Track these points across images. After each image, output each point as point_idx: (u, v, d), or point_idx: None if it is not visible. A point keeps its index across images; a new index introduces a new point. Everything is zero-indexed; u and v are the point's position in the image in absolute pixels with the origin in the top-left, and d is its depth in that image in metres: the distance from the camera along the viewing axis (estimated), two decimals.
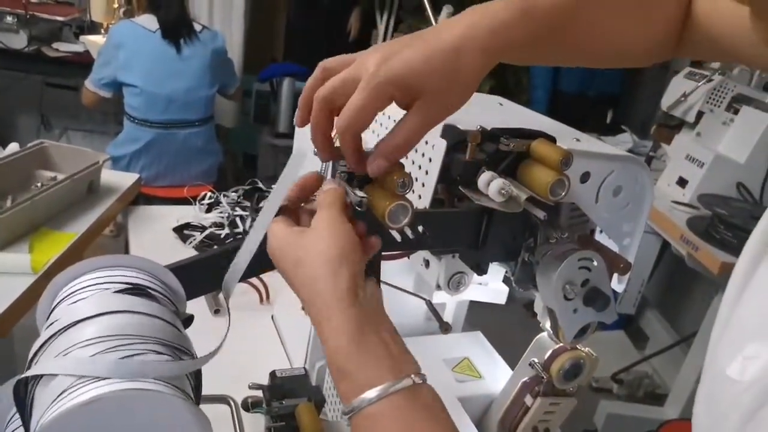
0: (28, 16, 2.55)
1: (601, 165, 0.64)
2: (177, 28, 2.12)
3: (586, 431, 2.09)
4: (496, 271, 0.74)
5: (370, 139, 0.47)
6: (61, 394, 0.35)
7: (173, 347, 0.41)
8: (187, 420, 0.38)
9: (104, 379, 0.36)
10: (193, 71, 2.18)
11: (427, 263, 0.66)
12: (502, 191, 0.51)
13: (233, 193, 1.56)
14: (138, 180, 1.50)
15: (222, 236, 1.41)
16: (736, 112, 2.04)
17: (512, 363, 0.79)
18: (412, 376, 0.39)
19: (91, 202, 1.31)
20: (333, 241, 0.43)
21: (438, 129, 0.59)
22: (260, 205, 1.53)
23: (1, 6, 2.52)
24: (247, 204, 1.52)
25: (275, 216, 0.48)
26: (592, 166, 0.63)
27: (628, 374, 2.34)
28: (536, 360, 0.69)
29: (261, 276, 1.17)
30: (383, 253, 0.49)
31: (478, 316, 1.17)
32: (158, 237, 1.43)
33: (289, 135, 3.19)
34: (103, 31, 2.59)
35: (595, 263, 0.57)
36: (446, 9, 2.51)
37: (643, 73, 3.35)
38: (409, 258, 0.67)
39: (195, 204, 1.53)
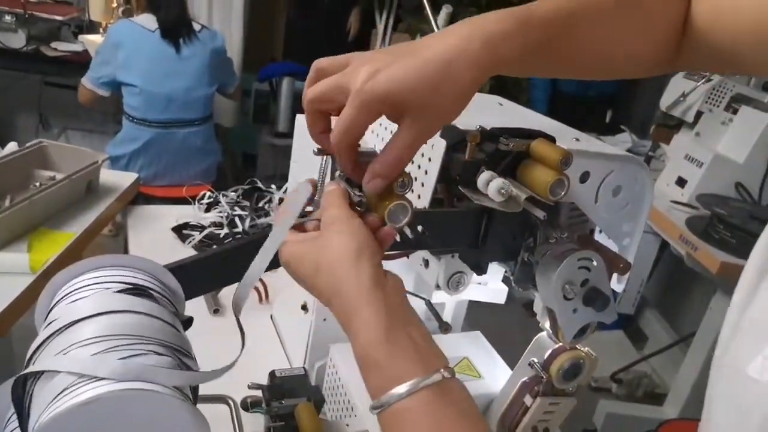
0: (26, 16, 2.55)
1: (600, 165, 0.64)
2: (176, 27, 2.12)
3: (585, 431, 2.09)
4: (496, 271, 0.74)
5: (370, 139, 0.47)
6: (62, 391, 0.35)
7: (173, 348, 0.41)
8: (186, 420, 0.38)
9: (103, 378, 0.36)
10: (192, 71, 2.18)
11: (426, 263, 0.66)
12: (502, 191, 0.51)
13: (232, 193, 1.56)
14: (137, 179, 1.50)
15: (221, 236, 1.41)
16: (735, 111, 2.04)
17: (512, 363, 0.79)
18: (442, 370, 0.39)
19: (90, 201, 1.31)
20: (348, 237, 0.43)
21: None
22: (259, 205, 1.53)
23: (0, 5, 2.51)
24: (247, 204, 1.52)
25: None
26: (591, 166, 0.63)
27: (627, 374, 2.34)
28: (536, 360, 0.68)
29: (260, 276, 1.17)
30: (383, 252, 0.49)
31: (478, 315, 1.17)
32: (157, 237, 1.43)
33: (289, 134, 3.19)
34: (102, 30, 2.59)
35: (595, 263, 0.57)
36: (446, 9, 2.51)
37: None
38: (408, 258, 0.67)
39: (194, 204, 1.53)
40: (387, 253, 0.51)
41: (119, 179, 1.45)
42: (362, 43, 3.40)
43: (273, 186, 1.59)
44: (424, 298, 0.86)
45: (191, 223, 1.46)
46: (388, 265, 0.47)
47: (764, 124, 1.91)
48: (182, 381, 0.39)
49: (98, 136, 3.01)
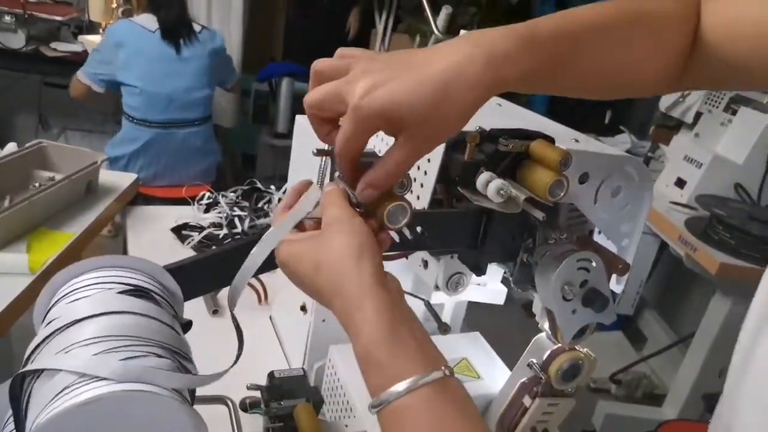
0: (26, 16, 2.55)
1: (599, 166, 0.64)
2: (177, 28, 2.12)
3: None
4: (495, 272, 0.75)
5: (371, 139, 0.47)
6: (62, 390, 0.35)
7: (172, 351, 0.41)
8: (185, 422, 0.38)
9: (103, 379, 0.36)
10: (192, 71, 2.18)
11: (425, 264, 0.66)
12: (501, 192, 0.51)
13: (232, 194, 1.56)
14: (136, 180, 1.50)
15: (220, 236, 1.41)
16: (734, 112, 2.04)
17: (511, 364, 0.79)
18: (443, 368, 0.39)
19: (89, 202, 1.31)
20: (349, 235, 0.43)
21: None
22: (259, 205, 1.53)
23: (0, 5, 2.51)
24: (246, 204, 1.52)
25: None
26: (590, 167, 0.63)
27: (626, 375, 2.34)
28: (535, 361, 0.68)
29: (259, 276, 1.17)
30: (382, 254, 0.49)
31: (477, 316, 1.17)
32: (156, 237, 1.43)
33: (288, 135, 3.19)
34: (101, 30, 2.59)
35: (594, 264, 0.57)
36: (445, 9, 2.50)
37: None
38: (407, 258, 0.67)
39: (193, 204, 1.53)
40: (386, 254, 0.51)
41: (118, 180, 1.45)
42: (362, 43, 3.40)
43: (272, 186, 1.59)
44: (423, 299, 0.85)
45: (190, 224, 1.46)
46: (387, 266, 0.47)
47: (763, 125, 1.91)
48: (182, 384, 0.39)
49: (98, 136, 3.01)
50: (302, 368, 0.84)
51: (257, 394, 0.80)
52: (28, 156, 1.28)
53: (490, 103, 0.83)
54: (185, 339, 0.45)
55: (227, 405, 0.84)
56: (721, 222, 1.73)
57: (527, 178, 0.54)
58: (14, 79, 2.73)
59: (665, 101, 2.33)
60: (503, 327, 1.46)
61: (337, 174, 0.49)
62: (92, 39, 2.52)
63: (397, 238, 0.51)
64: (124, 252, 1.42)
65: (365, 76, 0.41)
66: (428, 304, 0.85)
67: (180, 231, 1.43)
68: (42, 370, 0.37)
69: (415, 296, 0.82)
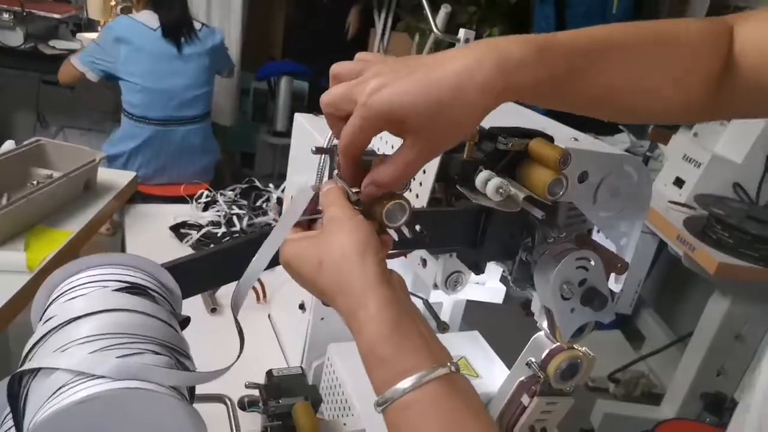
0: (24, 14, 2.54)
1: (599, 164, 0.64)
2: (178, 27, 2.12)
3: (582, 431, 2.09)
4: (494, 271, 0.74)
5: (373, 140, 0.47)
6: (59, 389, 0.35)
7: (170, 348, 0.41)
8: (183, 420, 0.38)
9: (100, 377, 0.36)
10: (192, 69, 2.18)
11: (424, 262, 0.66)
12: (500, 190, 0.51)
13: (230, 192, 1.56)
14: (135, 178, 1.50)
15: (219, 235, 1.41)
16: None
17: (509, 362, 0.79)
18: (448, 364, 0.39)
19: (88, 200, 1.30)
20: (352, 233, 0.43)
21: None
22: (257, 203, 1.53)
23: None
24: (244, 202, 1.52)
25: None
26: (590, 166, 0.63)
27: (624, 374, 2.35)
28: (533, 359, 0.68)
29: (259, 276, 1.17)
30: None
31: (476, 315, 1.17)
32: (155, 235, 1.43)
33: (287, 133, 3.19)
34: (100, 28, 2.58)
35: (593, 263, 0.57)
36: (444, 8, 2.50)
37: None
38: (406, 257, 0.67)
39: (192, 202, 1.53)
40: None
41: (117, 178, 1.44)
42: (361, 42, 3.39)
43: (271, 185, 1.59)
44: (422, 298, 0.85)
45: (189, 222, 1.46)
46: (387, 264, 0.47)
47: (762, 125, 1.91)
48: (179, 381, 0.39)
49: (96, 134, 3.00)
50: (301, 367, 0.84)
51: (256, 392, 0.80)
52: (26, 154, 1.27)
53: None
54: (183, 336, 0.45)
55: (225, 403, 0.84)
56: (719, 221, 1.73)
57: (526, 177, 0.54)
58: (12, 77, 2.73)
59: None
60: (502, 326, 1.46)
61: (335, 172, 0.49)
62: (91, 37, 2.51)
63: (396, 236, 0.51)
64: (123, 250, 1.42)
65: (375, 77, 0.42)
66: (427, 303, 0.85)
67: (178, 229, 1.43)
68: (39, 369, 0.37)
69: (414, 295, 0.82)
